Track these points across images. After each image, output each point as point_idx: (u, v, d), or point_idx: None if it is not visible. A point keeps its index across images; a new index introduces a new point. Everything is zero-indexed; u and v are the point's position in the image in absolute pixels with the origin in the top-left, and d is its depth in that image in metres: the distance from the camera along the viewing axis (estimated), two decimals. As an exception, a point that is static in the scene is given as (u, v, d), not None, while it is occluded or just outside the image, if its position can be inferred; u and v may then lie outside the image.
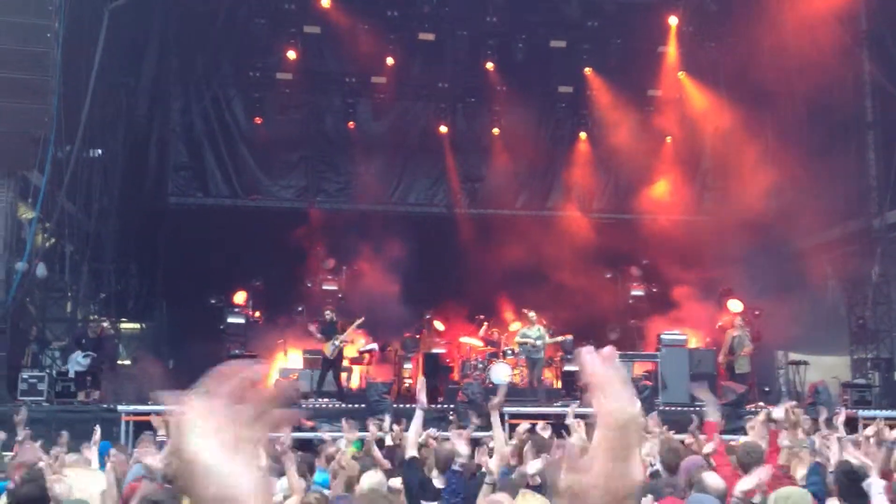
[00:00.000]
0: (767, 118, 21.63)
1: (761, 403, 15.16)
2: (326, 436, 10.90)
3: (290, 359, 18.01)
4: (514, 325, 19.70)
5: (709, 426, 7.54)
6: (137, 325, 20.69)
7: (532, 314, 17.25)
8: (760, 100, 21.17)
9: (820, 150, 19.40)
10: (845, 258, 19.70)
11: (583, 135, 22.49)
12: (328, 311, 16.90)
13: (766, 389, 17.69)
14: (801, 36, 19.36)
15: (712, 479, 5.10)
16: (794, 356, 18.16)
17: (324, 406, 15.02)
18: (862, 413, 14.04)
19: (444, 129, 22.18)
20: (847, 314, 19.28)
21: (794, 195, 19.33)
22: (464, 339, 19.22)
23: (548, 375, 18.76)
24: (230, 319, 17.85)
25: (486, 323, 19.51)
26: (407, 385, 18.08)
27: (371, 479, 5.96)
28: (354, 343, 17.57)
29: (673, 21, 20.60)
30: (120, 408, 13.66)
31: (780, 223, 19.97)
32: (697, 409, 14.45)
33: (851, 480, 4.74)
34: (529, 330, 16.95)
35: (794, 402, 9.24)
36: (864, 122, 19.96)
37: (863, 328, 18.60)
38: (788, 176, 19.43)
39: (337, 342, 16.10)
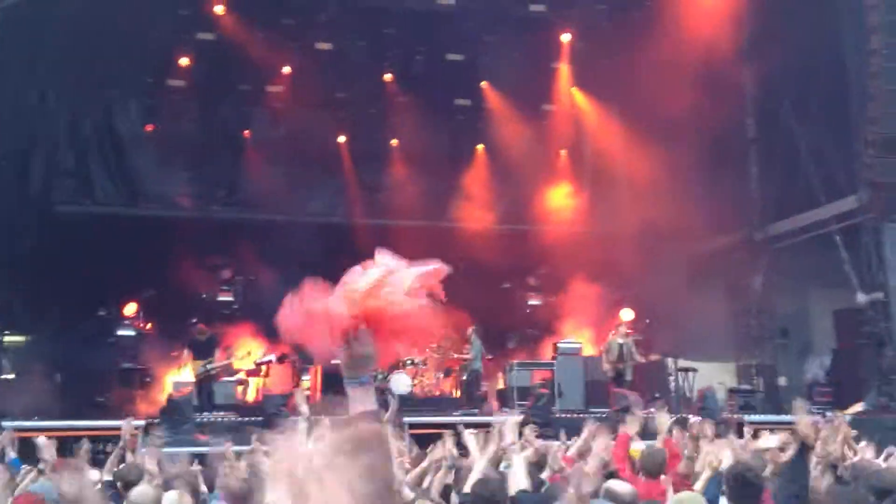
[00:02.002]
0: (657, 132, 22.29)
1: (653, 409, 15.61)
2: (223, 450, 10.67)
3: (183, 373, 17.58)
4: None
5: (623, 437, 7.69)
6: (23, 338, 19.84)
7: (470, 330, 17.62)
8: (651, 115, 21.80)
9: (706, 163, 20.13)
10: (731, 268, 20.51)
11: (480, 147, 22.78)
12: (201, 330, 16.54)
13: (657, 396, 18.19)
14: (688, 53, 20.12)
15: (620, 486, 5.21)
16: (683, 363, 18.76)
17: (219, 420, 14.73)
18: (747, 418, 14.64)
19: (342, 139, 22.10)
20: (732, 322, 20.07)
21: (682, 207, 19.97)
22: (363, 350, 19.09)
23: (447, 385, 18.90)
24: (120, 332, 17.36)
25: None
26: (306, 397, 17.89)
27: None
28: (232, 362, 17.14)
29: (566, 38, 21.09)
30: (4, 423, 13.06)
31: (670, 234, 20.61)
32: (593, 415, 14.83)
33: (742, 484, 4.93)
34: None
35: (702, 419, 9.57)
36: (745, 138, 20.87)
37: (747, 335, 19.40)
38: (677, 188, 20.06)
39: (209, 367, 15.78)
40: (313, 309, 2.48)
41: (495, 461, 6.01)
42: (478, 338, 17.99)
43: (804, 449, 4.37)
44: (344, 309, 2.43)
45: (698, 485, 6.00)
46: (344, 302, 2.45)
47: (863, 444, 8.88)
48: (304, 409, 7.14)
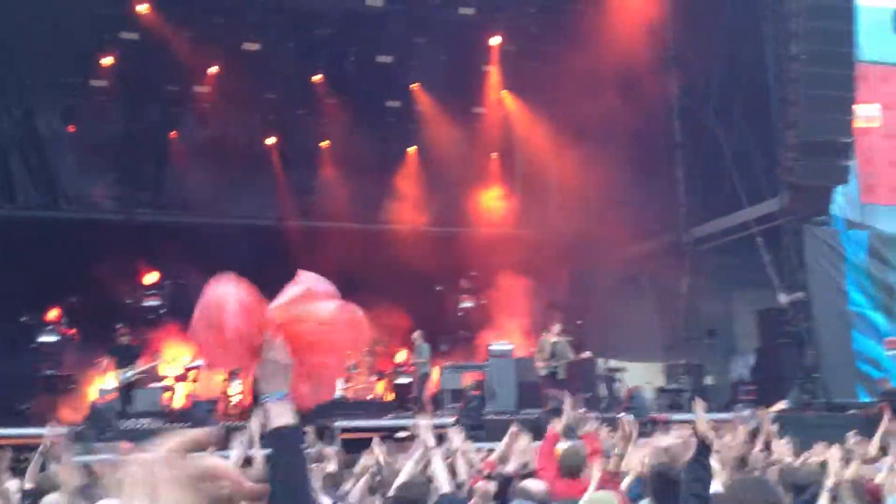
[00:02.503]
0: (585, 136, 22.56)
1: (584, 409, 15.78)
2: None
3: (107, 380, 17.15)
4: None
5: (551, 436, 7.72)
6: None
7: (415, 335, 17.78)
8: (579, 118, 22.05)
9: (634, 167, 20.46)
10: (658, 270, 20.86)
11: (412, 149, 22.77)
12: (123, 335, 16.19)
13: (587, 396, 18.40)
14: (615, 58, 20.44)
15: (533, 485, 5.24)
16: (613, 363, 19.02)
17: (145, 427, 14.41)
18: (675, 417, 14.90)
19: (272, 140, 21.85)
20: (661, 323, 20.44)
21: (611, 210, 20.27)
22: (294, 354, 18.92)
23: (380, 388, 18.83)
24: (42, 338, 16.83)
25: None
26: (235, 402, 17.66)
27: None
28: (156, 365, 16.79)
29: (496, 41, 21.22)
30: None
31: (600, 236, 20.87)
32: (524, 417, 14.92)
33: (663, 482, 5.00)
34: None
35: (630, 417, 9.66)
36: (671, 142, 21.29)
37: (674, 336, 19.77)
38: (606, 192, 20.34)
39: (128, 374, 15.45)
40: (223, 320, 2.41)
41: (423, 464, 6.00)
42: (424, 342, 17.98)
43: (704, 448, 4.45)
44: (252, 322, 2.37)
45: (623, 484, 6.07)
46: (254, 314, 2.40)
47: (782, 441, 9.10)
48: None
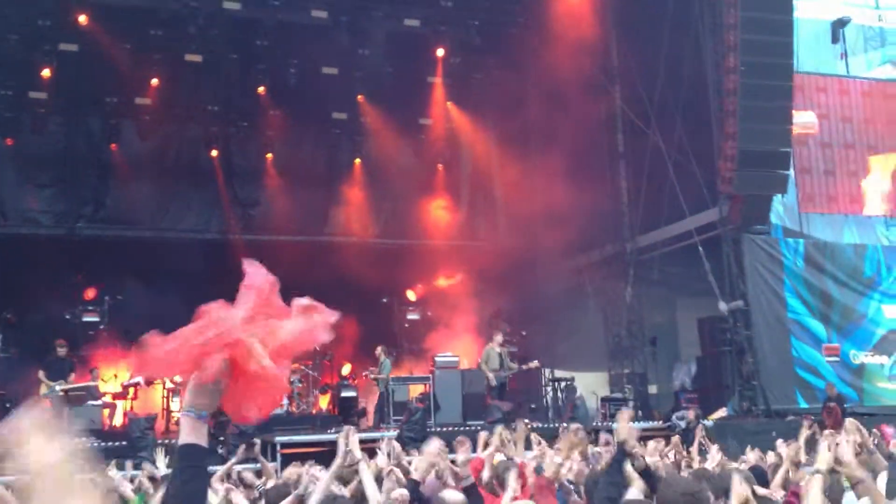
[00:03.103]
0: (532, 147, 22.71)
1: (526, 420, 15.79)
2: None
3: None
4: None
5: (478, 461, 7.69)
6: None
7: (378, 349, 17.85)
8: (525, 130, 22.21)
9: (579, 177, 20.56)
10: (603, 280, 21.01)
11: (358, 161, 22.69)
12: (60, 346, 15.87)
13: (533, 406, 18.46)
14: (560, 71, 20.58)
15: (450, 496, 5.21)
16: (558, 373, 19.08)
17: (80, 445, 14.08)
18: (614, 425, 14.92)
19: (215, 153, 21.63)
20: (606, 332, 20.55)
21: (556, 220, 20.36)
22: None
23: (324, 402, 18.69)
24: (-24, 355, 16.43)
25: (261, 351, 19.06)
26: (175, 419, 17.37)
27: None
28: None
29: (440, 52, 21.26)
30: None
31: (545, 247, 20.98)
32: (468, 428, 14.88)
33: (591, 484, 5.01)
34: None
35: (578, 426, 9.70)
36: (616, 153, 21.47)
37: (619, 345, 19.89)
38: (551, 202, 20.43)
39: (57, 388, 15.13)
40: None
41: (339, 477, 5.93)
42: (386, 357, 17.89)
43: (623, 454, 4.47)
44: (214, 335, 2.37)
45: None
46: (217, 329, 2.39)
47: (714, 447, 9.18)
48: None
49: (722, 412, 15.32)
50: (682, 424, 15.12)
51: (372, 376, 17.92)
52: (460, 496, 5.42)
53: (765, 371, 16.83)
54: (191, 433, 2.33)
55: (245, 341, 2.37)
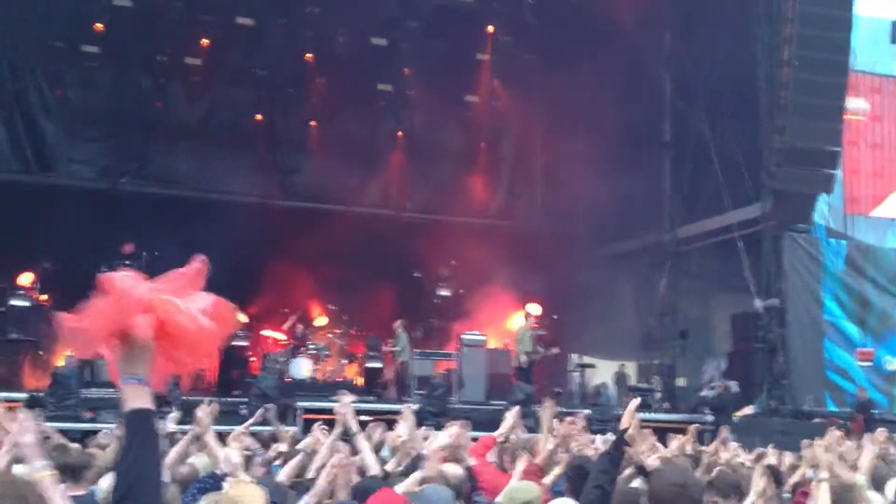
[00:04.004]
0: (577, 130, 22.47)
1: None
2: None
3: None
4: (321, 321, 19.60)
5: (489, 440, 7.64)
6: None
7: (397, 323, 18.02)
8: (571, 113, 21.96)
9: (623, 164, 20.35)
10: (639, 269, 20.79)
11: (400, 133, 22.65)
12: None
13: (558, 391, 18.36)
14: (611, 54, 20.33)
15: (451, 469, 5.19)
16: (584, 359, 18.96)
17: (107, 396, 14.34)
18: (642, 416, 14.79)
19: (259, 117, 21.74)
20: (637, 322, 20.36)
21: (597, 206, 20.17)
22: (266, 332, 18.92)
23: (350, 372, 18.79)
24: (13, 302, 16.70)
25: (292, 317, 19.22)
26: (203, 377, 17.59)
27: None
28: None
29: (490, 29, 21.08)
30: None
31: (583, 232, 20.81)
32: (491, 407, 14.87)
33: (580, 476, 4.94)
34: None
35: (579, 414, 9.61)
36: (661, 142, 21.18)
37: (649, 336, 19.70)
38: (593, 187, 20.24)
39: None
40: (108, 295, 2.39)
41: (335, 446, 5.94)
42: (405, 331, 17.95)
43: (621, 442, 4.38)
44: (132, 299, 2.38)
45: (547, 479, 6.01)
46: (131, 294, 2.39)
47: (733, 444, 9.06)
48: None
49: (748, 410, 15.12)
50: (711, 394, 15.01)
51: (388, 349, 17.99)
52: (460, 470, 5.40)
53: (795, 371, 16.57)
54: (135, 399, 2.35)
55: (163, 299, 2.36)
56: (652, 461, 5.66)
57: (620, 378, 18.86)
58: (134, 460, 2.34)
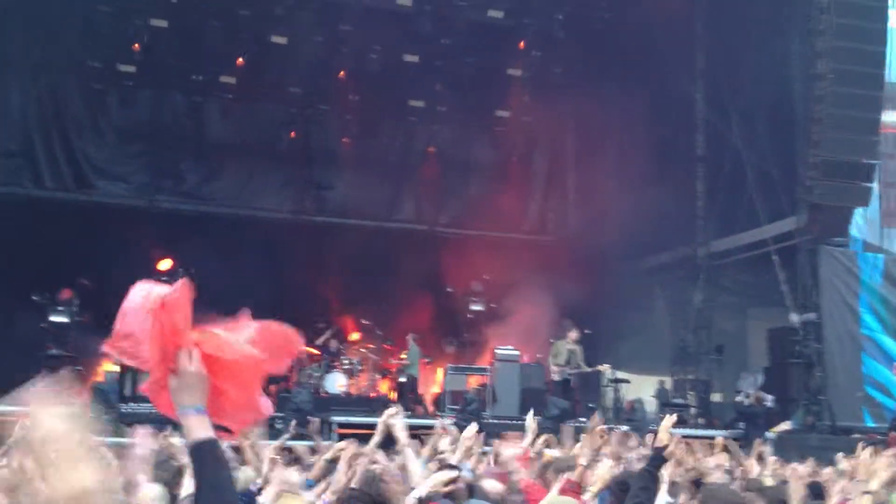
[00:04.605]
0: (609, 144, 22.48)
1: (583, 419, 15.69)
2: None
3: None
4: (355, 336, 19.70)
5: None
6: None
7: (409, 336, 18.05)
8: (603, 126, 21.97)
9: (656, 178, 20.32)
10: (672, 283, 20.69)
11: (432, 149, 22.76)
12: None
13: (592, 406, 18.26)
14: (643, 66, 20.34)
15: (490, 485, 5.21)
16: (618, 374, 18.86)
17: (145, 411, 14.50)
18: (678, 432, 14.70)
19: (294, 134, 21.95)
20: (671, 336, 20.24)
21: (630, 220, 20.10)
22: (301, 347, 19.04)
23: (384, 387, 18.84)
24: (53, 318, 16.96)
25: (327, 331, 19.33)
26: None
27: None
28: None
29: (521, 44, 21.15)
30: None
31: (616, 246, 20.73)
32: (524, 423, 14.83)
33: (624, 491, 4.94)
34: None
35: (600, 424, 9.56)
36: (694, 155, 21.10)
37: (684, 350, 19.56)
38: (626, 201, 20.19)
39: None
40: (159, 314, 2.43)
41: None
42: (416, 344, 17.98)
43: (658, 459, 4.38)
44: (186, 327, 2.40)
45: (587, 495, 5.99)
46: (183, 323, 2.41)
47: (772, 459, 8.99)
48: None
49: (785, 425, 14.96)
50: (746, 403, 14.87)
51: (396, 361, 18.03)
52: (499, 486, 5.41)
53: (833, 386, 16.39)
54: (197, 429, 2.33)
55: (205, 332, 2.39)
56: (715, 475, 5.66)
57: (661, 393, 18.73)
58: (209, 493, 2.31)
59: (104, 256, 18.56)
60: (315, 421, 10.84)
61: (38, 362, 16.30)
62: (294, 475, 6.49)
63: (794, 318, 16.78)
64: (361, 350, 18.37)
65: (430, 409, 17.48)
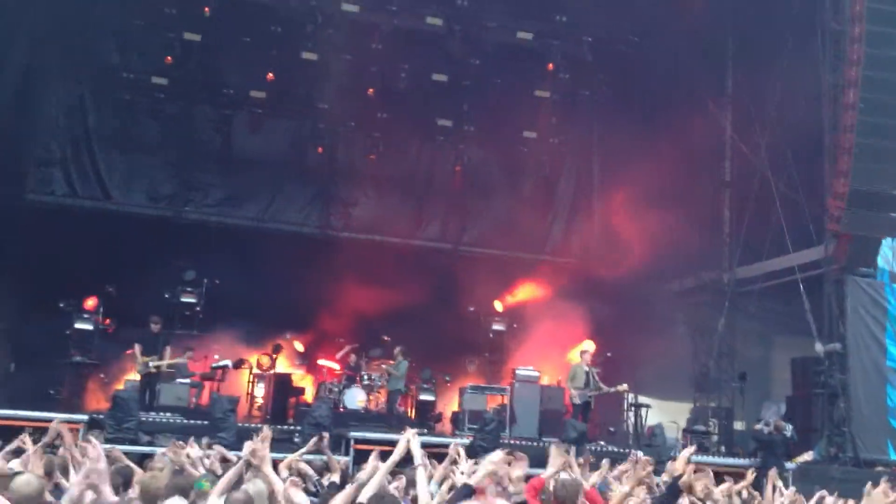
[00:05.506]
0: (635, 167, 22.39)
1: (602, 442, 15.65)
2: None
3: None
4: (375, 352, 19.71)
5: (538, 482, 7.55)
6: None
7: (397, 350, 17.82)
8: (629, 149, 21.91)
9: (682, 202, 20.25)
10: (696, 308, 20.56)
11: (458, 168, 22.81)
12: (154, 322, 16.37)
13: (612, 430, 18.17)
14: (670, 93, 20.30)
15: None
16: (640, 399, 18.74)
17: (164, 420, 14.59)
18: (697, 459, 14.57)
19: (320, 150, 22.09)
20: (693, 362, 20.08)
21: (654, 244, 20.03)
22: (321, 362, 19.10)
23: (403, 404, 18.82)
24: (77, 325, 17.13)
25: (347, 347, 19.36)
26: (258, 404, 17.84)
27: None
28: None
29: (549, 66, 21.20)
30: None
31: (640, 269, 20.64)
32: (544, 444, 14.75)
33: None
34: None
35: (648, 460, 9.48)
36: (722, 181, 21.00)
37: (706, 377, 19.41)
38: (650, 225, 20.13)
39: (151, 364, 15.68)
40: None
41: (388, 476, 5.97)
42: (404, 359, 17.87)
43: (675, 489, 4.35)
44: None
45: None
46: None
47: (790, 490, 8.89)
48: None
49: (807, 456, 14.74)
50: (765, 431, 14.71)
51: (384, 367, 17.94)
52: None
53: (857, 418, 16.19)
54: None
55: None
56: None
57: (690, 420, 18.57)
58: None
59: (130, 266, 18.75)
60: (325, 436, 10.83)
61: (64, 370, 16.50)
62: (302, 498, 6.47)
63: (819, 347, 16.61)
64: (381, 366, 18.36)
65: (449, 427, 17.41)
